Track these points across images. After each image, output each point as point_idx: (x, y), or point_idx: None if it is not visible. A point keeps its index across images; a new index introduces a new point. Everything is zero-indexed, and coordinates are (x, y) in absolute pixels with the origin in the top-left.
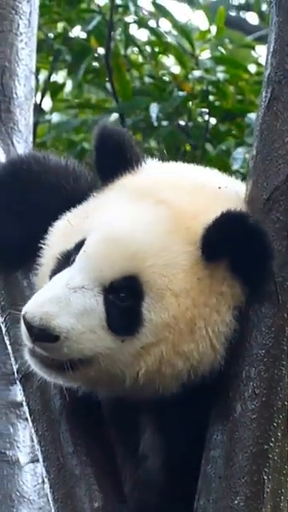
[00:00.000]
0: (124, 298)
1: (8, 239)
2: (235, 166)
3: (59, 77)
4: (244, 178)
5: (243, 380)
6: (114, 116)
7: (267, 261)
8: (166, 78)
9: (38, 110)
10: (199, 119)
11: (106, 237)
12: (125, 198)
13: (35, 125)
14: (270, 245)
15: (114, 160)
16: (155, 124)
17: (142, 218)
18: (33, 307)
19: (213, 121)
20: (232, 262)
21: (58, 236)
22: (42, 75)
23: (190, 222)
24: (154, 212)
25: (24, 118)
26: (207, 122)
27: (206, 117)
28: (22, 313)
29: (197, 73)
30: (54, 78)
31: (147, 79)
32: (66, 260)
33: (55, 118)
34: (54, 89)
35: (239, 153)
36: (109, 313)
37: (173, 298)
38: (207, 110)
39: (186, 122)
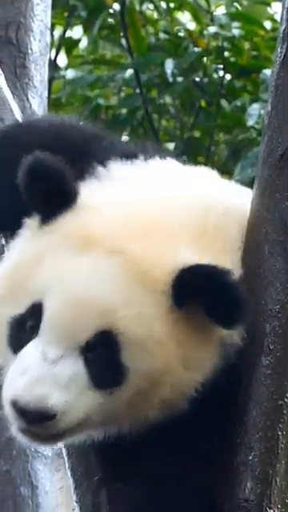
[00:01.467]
0: (102, 353)
1: None
2: (250, 122)
3: (74, 33)
4: (259, 133)
5: (258, 336)
6: (129, 72)
7: (241, 314)
8: (181, 34)
9: (52, 65)
10: (214, 75)
11: (68, 301)
12: (72, 249)
13: (50, 81)
14: (242, 301)
15: (49, 197)
16: (170, 80)
17: (101, 273)
18: (22, 392)
19: (228, 77)
20: (205, 309)
21: (1, 291)
22: (57, 31)
23: (153, 270)
24: (112, 266)
25: (39, 74)
26: (222, 78)
27: (221, 73)
28: (9, 398)
29: (212, 29)
30: (69, 33)
31: (162, 35)
32: (21, 326)
33: (70, 73)
34: (69, 45)
35: (254, 109)
36: (91, 371)
37: (157, 346)
38: (222, 66)
39: (201, 78)
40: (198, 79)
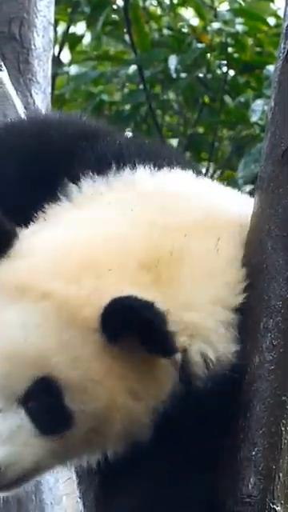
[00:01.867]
0: (44, 400)
1: None
2: (254, 118)
3: (78, 28)
4: (263, 129)
5: (261, 331)
6: (133, 68)
7: (165, 341)
8: (185, 30)
9: (56, 61)
10: (218, 71)
11: (0, 355)
12: (4, 299)
13: (53, 77)
14: (161, 327)
15: None
16: (174, 76)
17: (31, 322)
18: None
19: (231, 73)
20: (137, 340)
21: None
22: (61, 27)
23: (83, 310)
24: (40, 312)
25: (42, 70)
26: (226, 74)
27: (225, 69)
28: None
29: (215, 25)
30: (72, 29)
31: (166, 31)
32: None
33: (74, 69)
34: (72, 41)
35: (258, 105)
36: (35, 420)
37: (98, 386)
38: (226, 62)
39: (205, 73)
40: (201, 75)
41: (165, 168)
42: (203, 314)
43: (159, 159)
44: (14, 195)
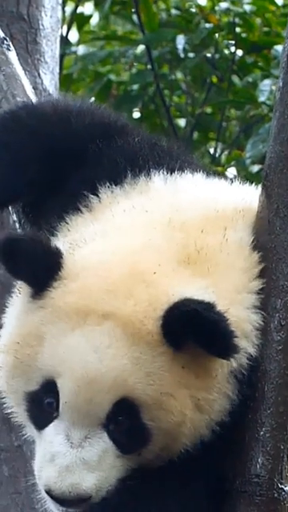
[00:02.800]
0: (123, 421)
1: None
2: (262, 98)
3: (86, 8)
4: (271, 109)
5: (269, 312)
6: (141, 48)
7: (229, 341)
8: (193, 10)
9: (64, 41)
10: (226, 51)
11: (79, 381)
12: (66, 324)
13: (61, 57)
14: (225, 328)
15: (33, 275)
16: (182, 56)
17: (100, 344)
18: (55, 483)
19: (239, 53)
20: (197, 344)
21: (10, 367)
22: (69, 7)
23: (145, 323)
24: (106, 332)
25: (50, 50)
26: (234, 53)
27: (233, 49)
28: (44, 488)
29: (223, 4)
30: (80, 9)
31: (174, 11)
32: (38, 403)
33: (81, 49)
34: (80, 20)
35: (266, 85)
36: (117, 442)
37: (171, 399)
38: (234, 42)
39: (213, 53)
40: (209, 55)
41: (177, 171)
42: (238, 306)
43: (171, 161)
44: (31, 182)
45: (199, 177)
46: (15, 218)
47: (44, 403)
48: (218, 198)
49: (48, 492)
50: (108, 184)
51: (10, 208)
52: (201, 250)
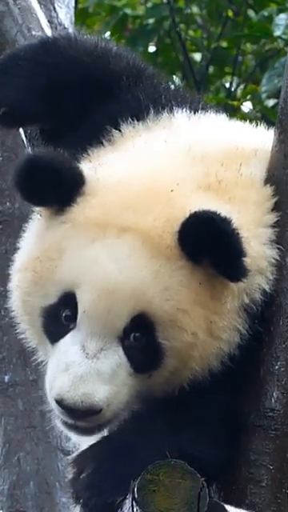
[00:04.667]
0: (138, 338)
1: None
2: (277, 32)
3: None
4: (286, 43)
5: (284, 245)
6: None
7: (238, 259)
8: None
9: None
10: None
11: (99, 290)
12: (87, 237)
13: None
14: (238, 244)
15: (56, 191)
16: None
17: (120, 255)
18: (68, 392)
19: None
20: (211, 260)
21: (28, 284)
22: None
23: (164, 237)
24: (125, 244)
25: None
26: None
27: None
28: (54, 397)
29: None
30: None
31: None
32: (55, 317)
33: None
34: None
35: (281, 19)
36: (131, 358)
37: (186, 317)
38: None
39: None
40: None
41: (200, 111)
42: (255, 241)
43: (195, 103)
44: (56, 106)
45: (222, 117)
46: (30, 152)
47: (61, 316)
48: (239, 137)
49: (60, 402)
50: (130, 120)
51: (25, 142)
52: (221, 181)
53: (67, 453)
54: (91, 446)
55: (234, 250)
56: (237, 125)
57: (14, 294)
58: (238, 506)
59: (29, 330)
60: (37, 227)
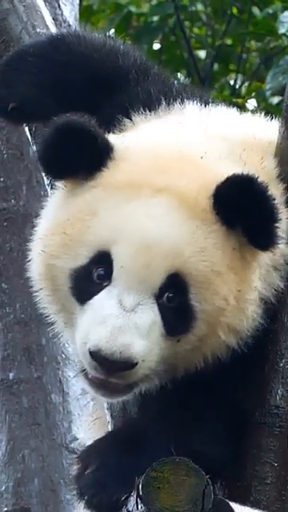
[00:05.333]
0: (172, 298)
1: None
2: (282, 30)
3: None
4: None
5: None
6: None
7: (273, 224)
8: None
9: None
10: None
11: (138, 246)
12: (121, 198)
13: None
14: (274, 208)
15: (87, 156)
16: None
17: (157, 213)
18: (106, 342)
19: None
20: (243, 226)
21: (56, 247)
22: None
23: (199, 199)
24: (162, 203)
25: None
26: None
27: None
28: (90, 348)
29: None
30: None
31: None
32: (86, 277)
33: None
34: None
35: (286, 16)
36: (164, 318)
37: (219, 280)
38: None
39: None
40: None
41: (210, 104)
42: None
43: (205, 96)
44: (67, 101)
45: (233, 110)
46: (35, 149)
47: (93, 275)
48: (253, 128)
49: (96, 353)
50: (142, 110)
51: (29, 139)
52: (246, 163)
53: (72, 450)
54: (96, 442)
55: (270, 214)
56: (249, 116)
57: (37, 261)
58: (242, 503)
59: (50, 296)
60: (61, 196)
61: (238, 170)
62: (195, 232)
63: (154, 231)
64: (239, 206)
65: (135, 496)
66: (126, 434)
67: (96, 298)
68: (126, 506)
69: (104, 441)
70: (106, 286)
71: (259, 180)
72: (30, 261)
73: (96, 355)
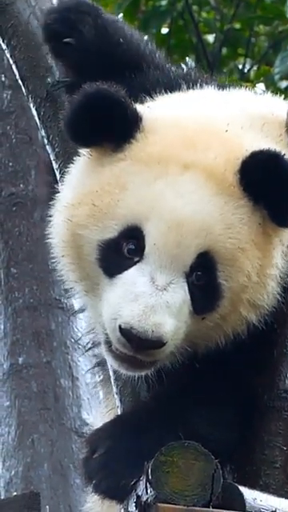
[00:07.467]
0: (200, 277)
1: None
2: None
3: None
4: None
5: None
6: None
7: None
8: None
9: None
10: None
11: (169, 223)
12: (150, 173)
13: None
14: None
15: (117, 126)
16: None
17: (185, 190)
18: (139, 321)
19: None
20: (267, 202)
21: (84, 217)
22: None
23: (226, 176)
24: (189, 180)
25: None
26: None
27: None
28: (121, 324)
29: None
30: None
31: None
32: (116, 250)
33: None
34: None
35: None
36: (193, 296)
37: (244, 256)
38: None
39: None
40: None
41: (228, 87)
42: None
43: (222, 81)
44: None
45: (250, 93)
46: (43, 134)
47: (123, 249)
48: (272, 106)
49: (127, 331)
50: (163, 91)
51: (38, 124)
52: (267, 136)
53: (81, 434)
54: (104, 425)
55: None
56: (266, 97)
57: (62, 228)
58: (251, 487)
59: (73, 264)
60: (88, 165)
61: (261, 142)
62: (223, 208)
63: (183, 209)
64: (265, 182)
65: (144, 480)
66: (134, 417)
67: (127, 273)
68: (136, 490)
69: (113, 424)
70: (137, 261)
71: (284, 155)
72: (50, 227)
73: (127, 332)
